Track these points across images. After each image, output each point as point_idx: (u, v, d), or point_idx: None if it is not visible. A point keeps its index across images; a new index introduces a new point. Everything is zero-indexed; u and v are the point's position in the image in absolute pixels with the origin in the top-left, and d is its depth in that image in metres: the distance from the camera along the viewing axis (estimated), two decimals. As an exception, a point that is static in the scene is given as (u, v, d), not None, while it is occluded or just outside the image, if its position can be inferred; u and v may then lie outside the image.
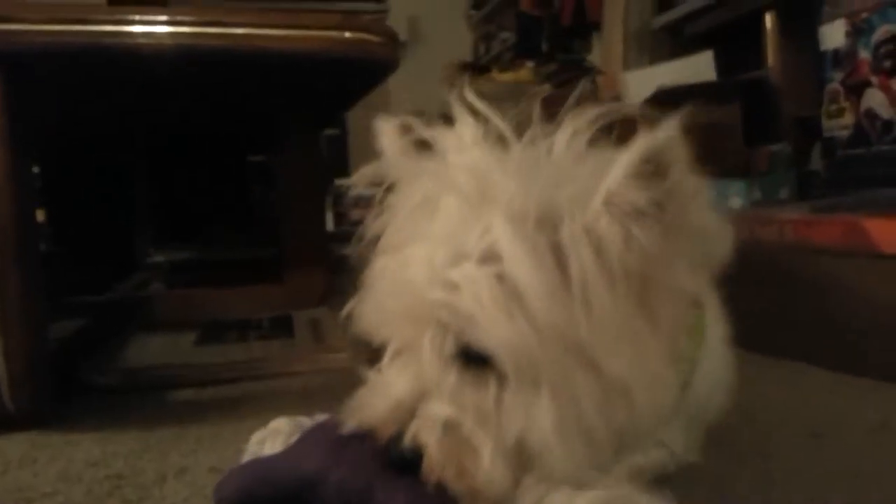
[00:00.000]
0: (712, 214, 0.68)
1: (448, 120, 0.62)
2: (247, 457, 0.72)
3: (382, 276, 0.60)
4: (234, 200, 2.39)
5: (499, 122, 0.60)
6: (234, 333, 1.40)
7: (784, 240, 1.09)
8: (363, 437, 0.58)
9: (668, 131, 0.51)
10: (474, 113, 0.61)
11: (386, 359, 0.62)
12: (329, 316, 1.55)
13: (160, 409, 1.07)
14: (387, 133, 0.65)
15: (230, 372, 1.17)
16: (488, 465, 0.54)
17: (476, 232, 0.54)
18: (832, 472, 0.74)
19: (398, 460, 0.55)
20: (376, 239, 0.64)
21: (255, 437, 0.73)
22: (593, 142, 0.59)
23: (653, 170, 0.51)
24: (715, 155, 1.62)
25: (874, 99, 1.16)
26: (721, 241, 0.72)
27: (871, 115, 1.17)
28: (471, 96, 0.61)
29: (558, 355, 0.52)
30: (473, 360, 0.55)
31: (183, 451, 0.88)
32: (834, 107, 1.24)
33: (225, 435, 0.93)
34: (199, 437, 0.93)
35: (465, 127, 0.61)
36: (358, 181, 0.69)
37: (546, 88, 2.35)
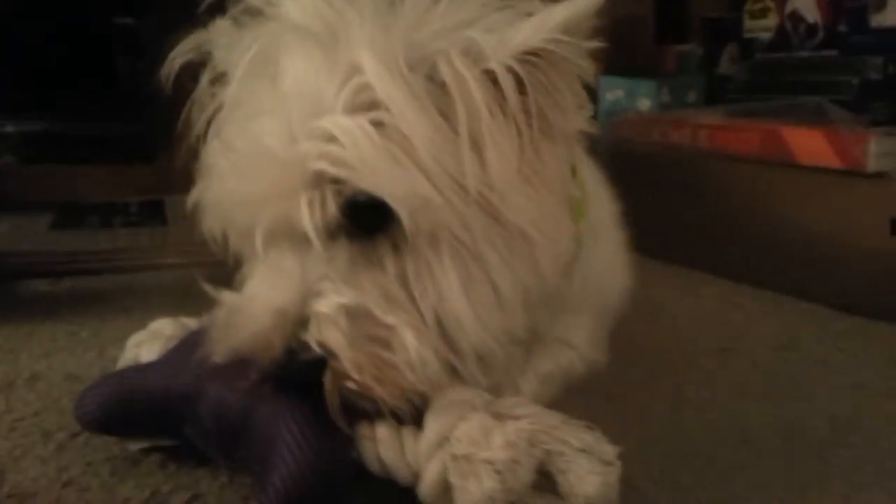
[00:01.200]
0: None
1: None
2: (122, 363, 0.61)
3: (227, 156, 0.49)
4: (96, 67, 2.14)
5: None
6: (95, 218, 1.25)
7: (697, 145, 1.05)
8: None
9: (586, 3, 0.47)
10: None
11: (251, 260, 0.52)
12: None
13: (8, 302, 0.93)
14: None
15: (90, 262, 1.03)
16: (415, 354, 0.46)
17: (338, 78, 0.46)
18: (744, 389, 0.73)
19: (298, 374, 0.46)
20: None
21: (133, 339, 0.63)
22: None
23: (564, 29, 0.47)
24: (623, 51, 1.57)
25: (801, 0, 1.12)
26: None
27: (795, 17, 1.13)
28: None
29: (455, 204, 0.47)
30: (361, 227, 0.47)
31: (35, 354, 0.77)
32: (757, 6, 1.19)
33: (84, 336, 0.82)
34: (55, 336, 0.81)
35: None
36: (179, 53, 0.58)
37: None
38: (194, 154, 0.55)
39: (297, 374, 0.46)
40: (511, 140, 0.48)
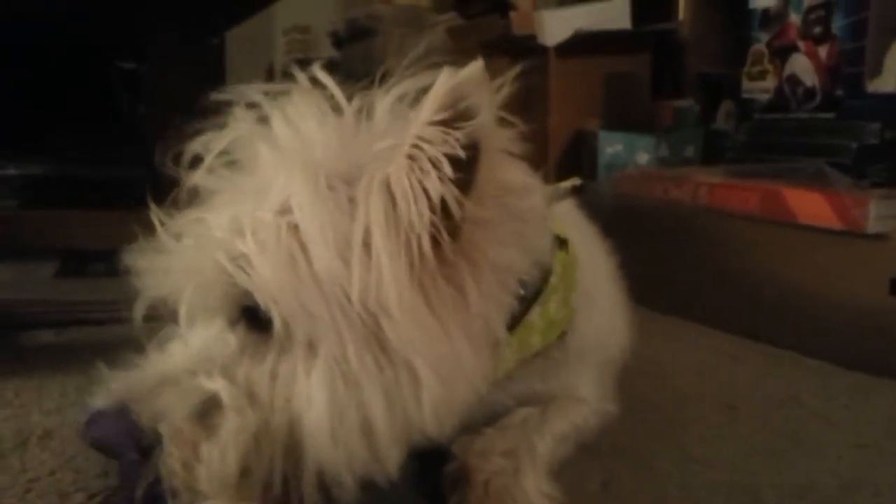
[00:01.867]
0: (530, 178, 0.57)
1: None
2: None
3: (165, 237, 0.54)
4: (98, 112, 2.15)
5: (336, 92, 0.54)
6: (100, 266, 1.25)
7: (698, 202, 1.07)
8: None
9: (471, 70, 0.46)
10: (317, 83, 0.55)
11: (176, 328, 0.54)
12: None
13: (14, 355, 0.93)
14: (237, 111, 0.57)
15: (97, 311, 1.03)
16: (230, 439, 0.47)
17: (280, 185, 0.50)
18: (750, 447, 0.74)
19: (146, 444, 0.49)
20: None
21: None
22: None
23: (455, 115, 0.46)
24: (621, 106, 1.61)
25: (799, 64, 1.15)
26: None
27: (793, 80, 1.17)
28: (316, 69, 0.56)
29: (337, 317, 0.46)
30: (258, 323, 0.49)
31: (45, 409, 0.76)
32: (756, 68, 1.22)
33: (95, 388, 0.81)
34: (64, 390, 0.81)
35: (302, 98, 0.54)
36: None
37: (450, 17, 2.24)
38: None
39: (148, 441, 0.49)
40: (403, 264, 0.47)
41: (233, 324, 0.50)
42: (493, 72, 0.56)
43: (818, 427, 0.79)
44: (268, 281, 0.47)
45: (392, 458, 0.49)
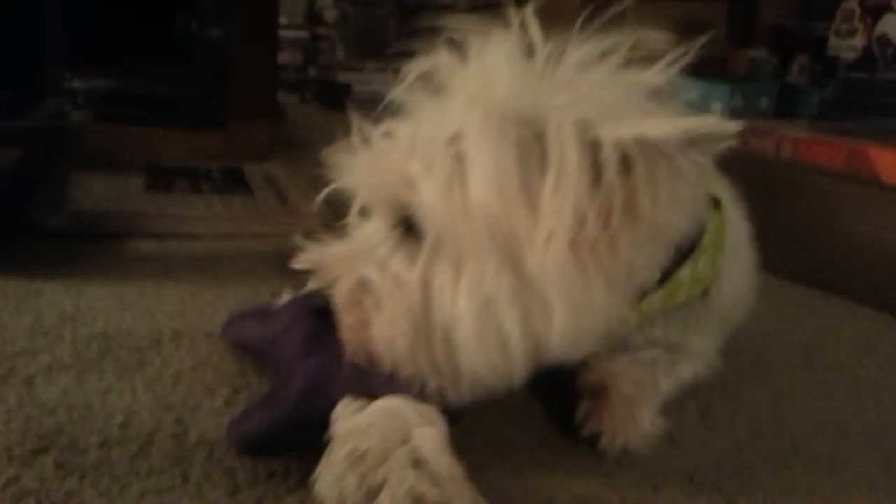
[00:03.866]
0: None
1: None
2: None
3: (369, 139, 0.59)
4: (160, 28, 2.17)
5: (534, 35, 0.56)
6: (183, 182, 1.29)
7: (781, 155, 1.09)
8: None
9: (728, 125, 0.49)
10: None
11: (349, 219, 0.62)
12: (285, 174, 1.46)
13: (125, 261, 0.98)
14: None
15: (193, 226, 1.08)
16: (387, 326, 0.54)
17: (457, 114, 0.53)
18: (832, 387, 0.78)
19: (318, 305, 0.59)
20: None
21: None
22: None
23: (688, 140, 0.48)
24: (696, 54, 1.58)
25: (891, 24, 1.15)
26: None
27: (883, 40, 1.17)
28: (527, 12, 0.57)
29: (482, 241, 0.51)
30: (413, 232, 0.55)
31: (169, 313, 0.81)
32: (845, 26, 1.22)
33: (208, 297, 0.87)
34: (181, 296, 0.86)
35: (501, 36, 0.57)
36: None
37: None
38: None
39: (318, 303, 0.59)
40: (576, 210, 0.49)
41: (393, 227, 0.56)
42: (566, 10, 0.58)
43: (894, 375, 0.83)
44: (427, 200, 0.52)
45: (521, 372, 0.53)
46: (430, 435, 0.48)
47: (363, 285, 0.56)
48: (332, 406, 0.53)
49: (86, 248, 1.01)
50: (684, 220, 0.56)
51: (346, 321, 0.56)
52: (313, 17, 3.81)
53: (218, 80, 1.72)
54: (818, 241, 1.08)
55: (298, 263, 0.60)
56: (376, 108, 0.62)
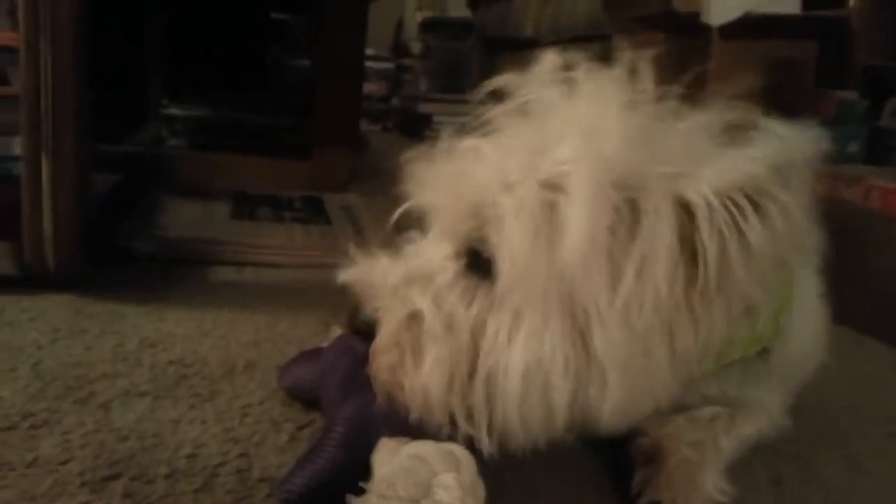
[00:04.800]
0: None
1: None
2: None
3: (449, 153, 0.56)
4: (252, 59, 2.25)
5: (648, 88, 0.54)
6: (267, 210, 1.33)
7: (869, 205, 1.04)
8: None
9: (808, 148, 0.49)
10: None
11: (419, 238, 0.59)
12: (363, 203, 1.49)
13: (205, 288, 1.02)
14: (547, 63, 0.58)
15: (272, 255, 1.11)
16: (426, 371, 0.51)
17: (558, 157, 0.50)
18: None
19: (359, 326, 0.55)
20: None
21: None
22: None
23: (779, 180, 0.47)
24: (781, 93, 1.55)
25: None
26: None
27: None
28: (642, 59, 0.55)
29: (554, 300, 0.49)
30: (479, 267, 0.52)
31: (243, 342, 0.84)
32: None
33: (282, 329, 0.89)
34: (256, 326, 0.89)
35: (612, 79, 0.55)
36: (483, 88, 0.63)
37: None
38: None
39: (358, 323, 0.56)
40: (657, 300, 0.47)
41: (458, 256, 0.54)
42: (649, 48, 0.57)
43: None
44: (509, 240, 0.49)
45: (558, 434, 0.52)
46: (449, 484, 0.48)
47: (413, 320, 0.53)
48: (371, 447, 0.53)
49: (170, 273, 1.05)
50: (755, 288, 0.52)
51: (383, 360, 0.53)
52: (399, 49, 3.90)
53: (305, 111, 1.77)
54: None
55: (346, 277, 0.58)
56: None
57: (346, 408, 0.57)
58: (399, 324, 0.53)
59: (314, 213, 1.37)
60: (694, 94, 0.56)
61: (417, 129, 3.10)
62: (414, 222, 0.60)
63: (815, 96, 1.53)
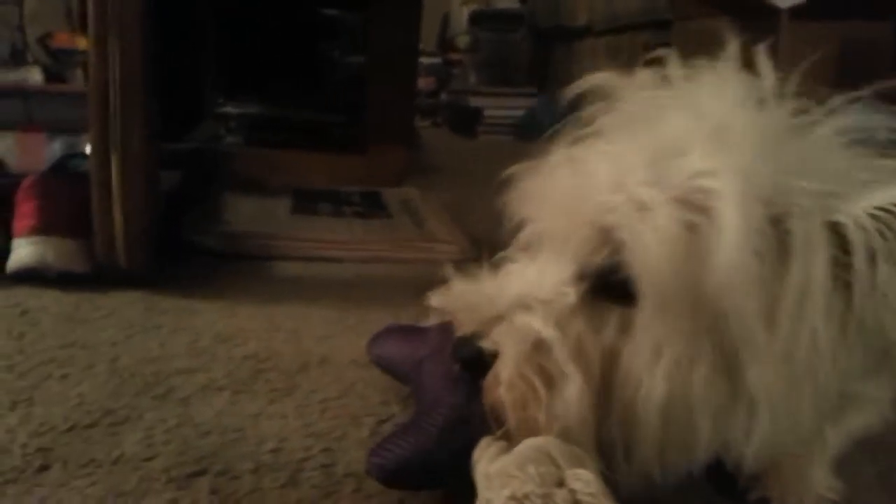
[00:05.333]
0: None
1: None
2: None
3: (567, 165, 0.51)
4: (303, 56, 2.26)
5: (770, 80, 0.49)
6: (327, 205, 1.33)
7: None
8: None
9: None
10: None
11: (519, 250, 0.55)
12: (420, 197, 1.48)
13: (272, 283, 1.01)
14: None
15: (336, 250, 1.10)
16: (566, 408, 0.46)
17: (692, 169, 0.45)
18: None
19: (465, 358, 0.50)
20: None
21: None
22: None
23: None
24: (857, 76, 1.48)
25: None
26: None
27: None
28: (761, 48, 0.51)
29: (702, 334, 0.44)
30: (607, 290, 0.48)
31: (315, 337, 0.83)
32: None
33: (351, 322, 0.88)
34: (327, 320, 0.88)
35: (735, 78, 0.50)
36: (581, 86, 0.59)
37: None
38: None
39: (465, 355, 0.50)
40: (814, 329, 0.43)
41: (580, 280, 0.49)
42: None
43: None
44: (649, 264, 0.45)
45: (688, 465, 0.48)
46: (586, 478, 0.45)
47: (536, 350, 0.48)
48: (473, 444, 0.50)
49: (236, 268, 1.05)
50: None
51: (508, 396, 0.48)
52: (446, 44, 3.88)
53: (358, 106, 1.77)
54: None
55: (440, 300, 0.54)
56: (508, 131, 0.57)
57: (452, 397, 0.54)
58: (520, 354, 0.47)
59: (373, 207, 1.36)
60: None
61: (468, 123, 3.08)
62: (509, 239, 0.56)
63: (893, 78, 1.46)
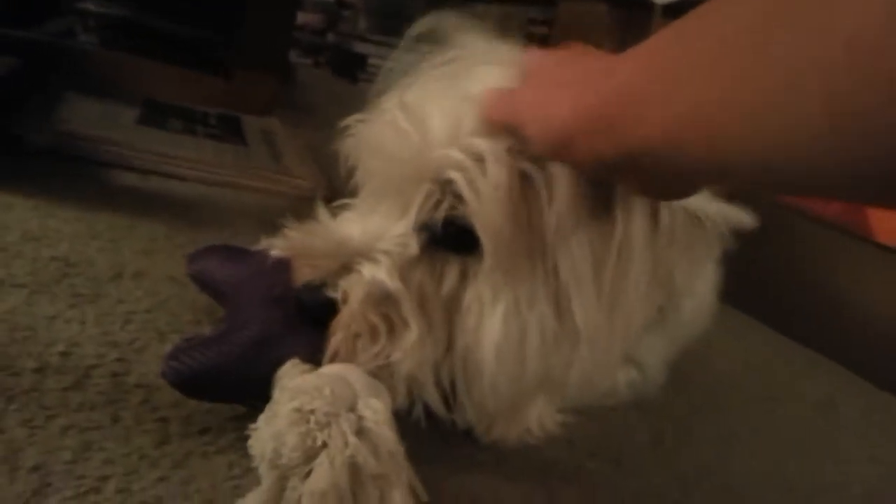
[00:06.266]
0: None
1: None
2: None
3: (397, 112, 0.53)
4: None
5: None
6: (178, 122, 1.26)
7: (780, 199, 1.08)
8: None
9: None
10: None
11: (357, 198, 0.57)
12: (283, 131, 1.44)
13: (103, 190, 0.96)
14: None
15: (181, 167, 1.06)
16: (406, 352, 0.49)
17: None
18: (786, 438, 0.77)
19: (310, 304, 0.51)
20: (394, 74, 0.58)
21: None
22: None
23: None
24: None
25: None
26: None
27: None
28: None
29: (540, 276, 0.49)
30: (446, 240, 0.51)
31: (135, 249, 0.79)
32: None
33: (180, 241, 0.85)
34: (153, 235, 0.84)
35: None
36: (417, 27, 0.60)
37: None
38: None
39: (311, 302, 0.51)
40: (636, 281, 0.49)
41: (419, 231, 0.51)
42: (588, 18, 0.57)
43: (851, 437, 0.82)
44: (490, 214, 0.47)
45: (526, 399, 0.54)
46: (376, 407, 0.47)
47: (382, 297, 0.50)
48: (279, 364, 0.51)
49: (66, 170, 0.98)
50: None
51: (349, 333, 0.50)
52: (340, -17, 3.77)
53: (231, 27, 1.69)
54: (797, 289, 1.07)
55: (284, 246, 0.55)
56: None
57: (268, 314, 0.54)
58: (363, 304, 0.49)
59: (229, 132, 1.31)
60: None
61: (351, 68, 3.02)
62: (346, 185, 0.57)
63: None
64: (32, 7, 1.65)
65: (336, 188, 0.61)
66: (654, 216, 0.49)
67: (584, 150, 0.39)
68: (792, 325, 1.05)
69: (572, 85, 0.40)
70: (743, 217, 0.52)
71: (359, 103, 0.58)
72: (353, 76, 2.99)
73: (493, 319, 0.48)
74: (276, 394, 0.48)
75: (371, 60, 2.99)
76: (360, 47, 3.06)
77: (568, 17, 1.86)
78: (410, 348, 0.49)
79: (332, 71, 3.19)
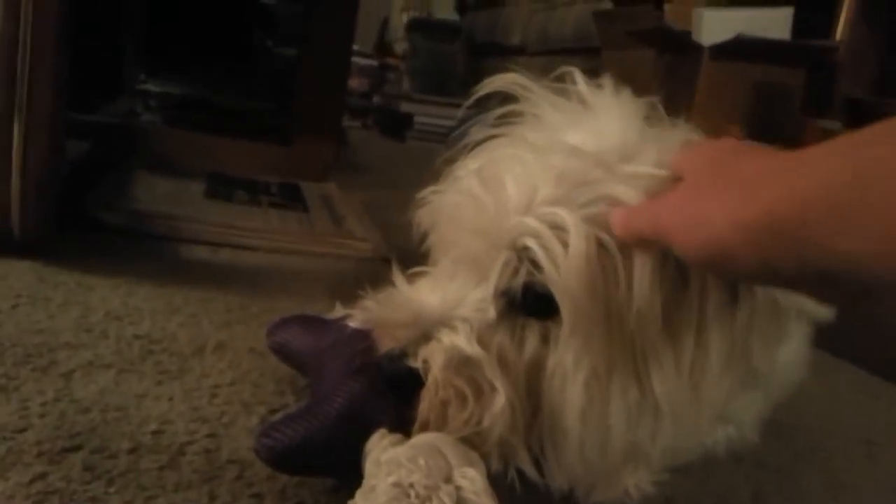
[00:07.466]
0: None
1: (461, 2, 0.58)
2: None
3: (474, 179, 0.52)
4: (235, 42, 2.21)
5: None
6: (242, 193, 1.30)
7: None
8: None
9: None
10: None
11: (432, 267, 0.57)
12: (341, 196, 1.47)
13: (177, 265, 0.98)
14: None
15: (250, 237, 1.08)
16: (500, 413, 0.48)
17: (601, 191, 0.48)
18: (893, 482, 0.73)
19: (393, 375, 0.51)
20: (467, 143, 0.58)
21: None
22: None
23: None
24: (768, 118, 1.56)
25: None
26: None
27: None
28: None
29: (618, 346, 0.48)
30: (525, 306, 0.50)
31: (215, 322, 0.80)
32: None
33: (255, 311, 0.86)
34: (229, 306, 0.85)
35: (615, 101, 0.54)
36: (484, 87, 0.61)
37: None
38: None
39: (393, 372, 0.51)
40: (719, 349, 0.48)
41: (497, 295, 0.51)
42: (635, 64, 0.57)
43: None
44: (569, 282, 0.47)
45: (613, 467, 0.52)
46: (472, 476, 0.46)
47: (463, 362, 0.49)
48: (367, 434, 0.51)
49: (141, 247, 1.01)
50: None
51: (437, 400, 0.49)
52: (383, 47, 3.88)
53: (287, 97, 1.74)
54: (882, 326, 1.03)
55: (364, 315, 0.55)
56: (437, 139, 0.58)
57: (352, 385, 0.54)
58: (445, 370, 0.49)
59: (291, 199, 1.34)
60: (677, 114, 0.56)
61: (398, 128, 3.07)
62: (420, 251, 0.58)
63: (800, 123, 1.55)
64: (97, 90, 1.73)
65: (402, 251, 0.61)
66: (733, 295, 0.48)
67: (750, 262, 0.36)
68: (879, 362, 1.01)
69: (731, 189, 0.38)
70: (821, 311, 0.52)
71: (406, 161, 0.58)
72: (401, 135, 3.04)
73: (575, 385, 0.48)
74: (368, 466, 0.48)
75: (417, 118, 3.04)
76: (405, 107, 3.12)
77: (613, 65, 1.87)
78: (500, 412, 0.49)
79: (380, 131, 3.26)
